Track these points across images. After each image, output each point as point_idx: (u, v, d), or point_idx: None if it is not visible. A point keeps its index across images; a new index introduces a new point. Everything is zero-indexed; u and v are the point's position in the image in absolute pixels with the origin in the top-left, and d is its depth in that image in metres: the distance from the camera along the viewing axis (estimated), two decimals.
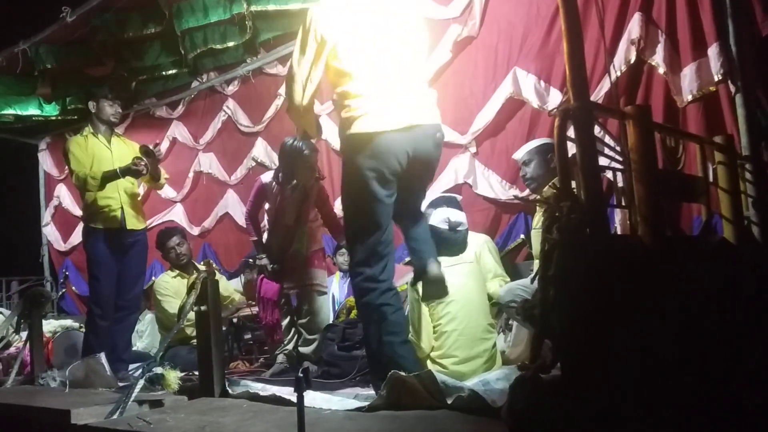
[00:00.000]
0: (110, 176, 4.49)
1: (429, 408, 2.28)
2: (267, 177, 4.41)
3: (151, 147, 4.57)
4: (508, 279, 3.79)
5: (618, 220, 3.33)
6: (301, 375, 1.64)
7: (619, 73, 3.73)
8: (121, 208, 4.64)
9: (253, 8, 5.00)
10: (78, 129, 7.30)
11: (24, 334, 4.55)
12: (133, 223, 4.69)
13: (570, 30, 2.14)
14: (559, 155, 2.08)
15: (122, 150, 4.75)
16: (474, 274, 3.64)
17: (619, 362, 1.79)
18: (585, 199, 1.99)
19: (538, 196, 3.68)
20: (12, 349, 4.92)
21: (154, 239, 6.71)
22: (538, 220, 3.80)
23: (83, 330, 5.41)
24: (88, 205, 4.65)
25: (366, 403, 2.43)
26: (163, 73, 6.10)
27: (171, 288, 5.18)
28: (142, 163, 4.46)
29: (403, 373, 2.40)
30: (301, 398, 1.65)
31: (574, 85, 2.10)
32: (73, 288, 7.78)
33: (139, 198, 4.92)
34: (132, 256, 4.72)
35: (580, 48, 2.15)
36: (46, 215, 8.12)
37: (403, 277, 3.90)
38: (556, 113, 2.13)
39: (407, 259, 4.91)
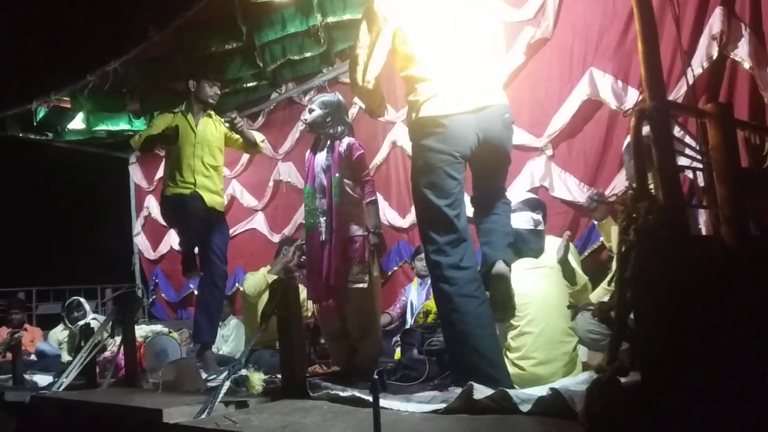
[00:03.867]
0: (151, 139, 4.62)
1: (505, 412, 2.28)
2: None
3: (229, 119, 4.64)
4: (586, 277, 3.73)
5: (703, 220, 3.24)
6: (377, 377, 1.68)
7: (700, 70, 3.62)
8: (198, 192, 4.65)
9: (329, 19, 5.11)
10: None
11: (118, 339, 4.78)
12: (210, 203, 4.68)
13: (644, 28, 2.12)
14: (635, 155, 2.06)
15: (207, 132, 4.77)
16: (554, 278, 3.61)
17: (700, 366, 1.75)
18: (663, 199, 1.95)
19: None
20: (107, 353, 5.17)
21: (236, 247, 6.99)
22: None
23: (173, 335, 5.64)
24: (166, 175, 4.76)
25: (443, 406, 2.45)
26: (244, 85, 6.29)
27: (260, 282, 5.20)
28: (172, 133, 4.53)
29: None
30: (376, 399, 1.69)
31: (650, 84, 2.06)
32: (163, 295, 8.12)
33: (220, 188, 4.89)
34: (214, 228, 4.72)
35: (656, 46, 2.12)
36: (137, 225, 8.51)
37: None
38: (632, 113, 2.11)
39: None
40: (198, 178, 4.68)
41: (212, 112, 4.93)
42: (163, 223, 6.43)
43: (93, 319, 6.29)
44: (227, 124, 4.67)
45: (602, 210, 3.80)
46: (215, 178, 4.83)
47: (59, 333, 6.99)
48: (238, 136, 4.86)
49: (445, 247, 2.81)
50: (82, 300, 6.92)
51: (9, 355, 5.61)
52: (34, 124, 6.85)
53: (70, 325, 6.64)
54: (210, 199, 4.72)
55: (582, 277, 3.66)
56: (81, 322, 6.14)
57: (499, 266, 2.92)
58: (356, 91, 3.10)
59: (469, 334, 2.73)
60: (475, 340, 2.72)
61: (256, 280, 5.18)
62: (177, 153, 4.69)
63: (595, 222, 3.94)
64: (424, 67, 2.86)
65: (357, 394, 2.75)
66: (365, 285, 3.94)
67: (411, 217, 5.48)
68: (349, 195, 4.03)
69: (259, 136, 4.99)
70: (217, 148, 4.84)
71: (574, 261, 3.82)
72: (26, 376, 5.29)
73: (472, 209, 3.12)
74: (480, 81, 2.88)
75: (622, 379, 1.74)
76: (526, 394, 2.32)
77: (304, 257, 4.60)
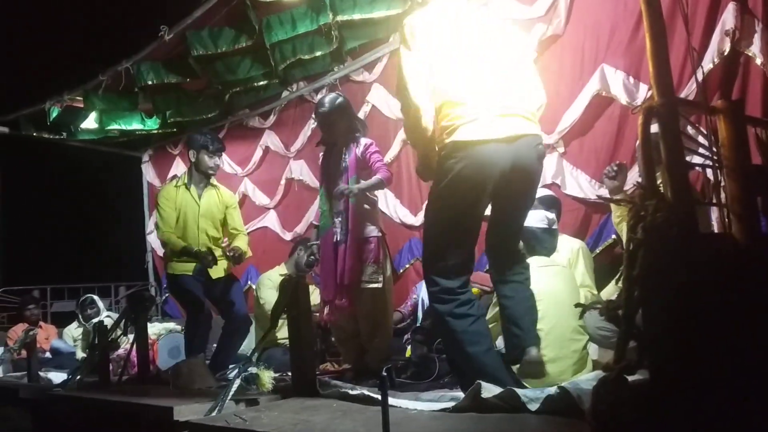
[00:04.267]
0: (186, 252, 4.52)
1: (514, 411, 2.28)
2: None
3: (231, 253, 4.56)
4: (596, 291, 3.74)
5: (715, 218, 3.21)
6: (385, 374, 1.69)
7: (711, 66, 3.59)
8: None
9: (339, 18, 5.12)
10: (178, 141, 7.74)
11: (131, 336, 4.81)
12: (215, 272, 4.64)
13: (653, 24, 2.11)
14: (643, 153, 2.04)
15: (211, 204, 4.74)
16: (565, 277, 3.59)
17: (708, 365, 1.73)
18: (671, 197, 1.94)
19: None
20: (121, 351, 5.21)
21: (249, 244, 7.00)
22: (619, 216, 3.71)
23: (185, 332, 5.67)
24: (168, 255, 4.77)
25: (452, 404, 2.45)
26: (255, 84, 6.31)
27: (274, 282, 5.14)
28: (212, 260, 4.48)
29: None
30: (385, 396, 1.69)
31: (658, 80, 2.06)
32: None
33: (219, 247, 4.77)
34: (224, 291, 4.70)
35: (664, 42, 2.12)
36: (150, 224, 8.56)
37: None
38: (640, 110, 2.10)
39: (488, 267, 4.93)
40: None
41: (215, 183, 4.89)
42: None
43: (107, 317, 6.35)
44: (231, 255, 4.58)
45: (621, 179, 3.73)
46: (219, 246, 4.78)
47: (74, 330, 7.06)
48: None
49: (449, 272, 2.79)
50: (96, 297, 6.97)
51: (24, 353, 5.67)
52: (48, 123, 6.92)
53: (84, 323, 6.69)
54: (214, 271, 4.65)
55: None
56: (95, 320, 6.21)
57: (532, 354, 2.85)
58: (413, 139, 2.94)
59: (466, 352, 2.72)
60: (473, 358, 2.71)
61: (273, 285, 5.12)
62: (182, 226, 4.65)
63: (612, 210, 3.89)
64: (457, 92, 2.79)
65: (366, 392, 2.76)
66: (379, 285, 3.96)
67: (422, 215, 5.47)
68: (366, 196, 4.04)
69: (247, 252, 4.78)
70: (219, 221, 4.80)
71: (585, 267, 3.82)
72: (41, 374, 5.34)
73: (489, 262, 3.07)
74: (514, 109, 2.80)
75: (630, 378, 1.73)
76: (534, 393, 2.31)
77: (313, 257, 4.60)
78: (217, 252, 4.67)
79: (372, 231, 4.00)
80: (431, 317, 4.47)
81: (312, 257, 4.54)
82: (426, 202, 3.03)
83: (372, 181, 3.94)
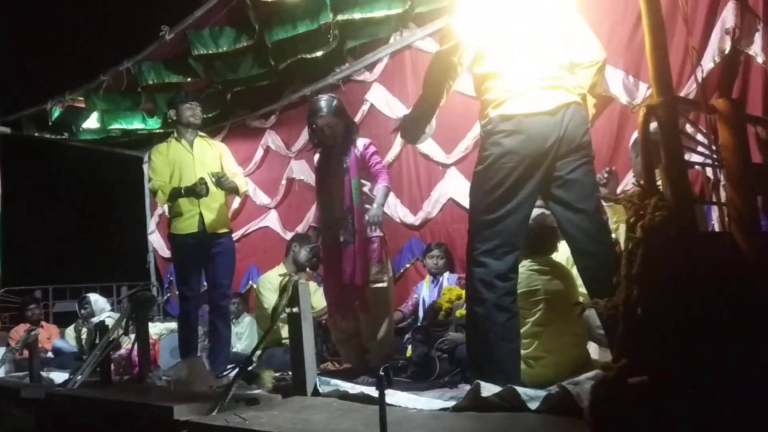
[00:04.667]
0: (176, 193, 4.61)
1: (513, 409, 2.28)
2: None
3: (215, 177, 4.60)
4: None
5: (716, 217, 3.21)
6: (383, 373, 1.69)
7: (712, 65, 3.59)
8: (200, 213, 4.69)
9: (340, 18, 5.12)
10: None
11: (132, 336, 4.82)
12: (213, 227, 4.72)
13: (652, 23, 2.10)
14: (643, 152, 2.04)
15: (205, 153, 4.83)
16: (565, 278, 3.58)
17: (707, 365, 1.73)
18: (670, 196, 1.94)
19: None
20: (122, 350, 5.21)
21: (249, 245, 7.02)
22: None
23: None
24: (169, 211, 4.81)
25: (451, 404, 2.45)
26: (256, 84, 6.31)
27: (274, 284, 5.15)
28: (203, 188, 4.52)
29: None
30: (382, 395, 1.70)
31: (657, 79, 2.05)
32: (177, 292, 8.16)
33: (221, 203, 4.85)
34: (217, 263, 4.78)
35: (663, 41, 2.11)
36: (151, 224, 8.56)
37: None
38: (639, 109, 2.09)
39: None
40: (203, 204, 4.69)
41: (205, 135, 5.00)
42: None
43: (108, 317, 6.34)
44: (214, 180, 4.60)
45: (612, 186, 3.76)
46: (218, 196, 4.80)
47: (73, 330, 7.06)
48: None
49: (491, 252, 2.73)
50: (94, 297, 6.94)
51: (26, 353, 5.68)
52: (50, 123, 6.93)
53: (81, 322, 6.72)
54: (213, 220, 4.73)
55: None
56: (93, 319, 6.22)
57: None
58: (430, 75, 2.92)
59: (494, 345, 2.69)
60: (498, 353, 2.68)
61: (274, 288, 5.11)
62: (178, 177, 4.70)
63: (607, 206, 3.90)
64: (501, 65, 2.76)
65: (365, 391, 2.77)
66: (384, 284, 4.00)
67: (422, 215, 5.48)
68: (367, 195, 4.06)
69: (242, 187, 4.96)
70: (216, 169, 4.80)
71: None
72: (43, 374, 5.35)
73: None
74: (559, 81, 2.77)
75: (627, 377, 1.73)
76: (534, 392, 2.32)
77: (315, 258, 4.60)
78: (221, 204, 4.78)
79: (374, 231, 4.01)
80: (429, 317, 4.49)
81: (314, 259, 4.54)
82: (471, 182, 2.91)
83: (382, 196, 3.98)
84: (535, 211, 3.62)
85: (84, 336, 6.70)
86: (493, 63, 2.81)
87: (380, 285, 3.98)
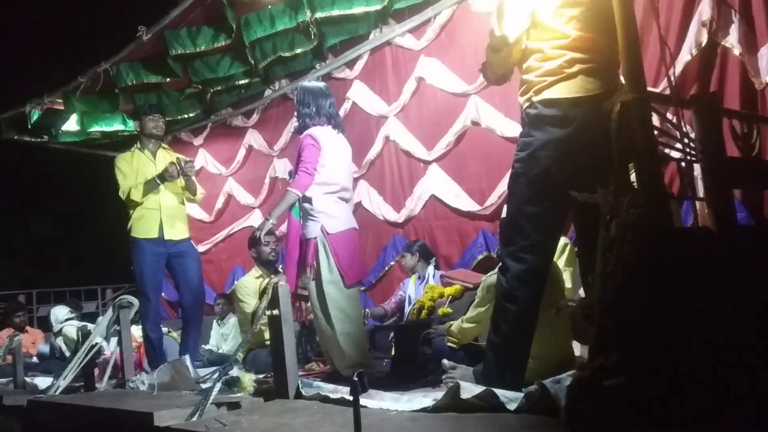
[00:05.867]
0: (150, 185, 4.79)
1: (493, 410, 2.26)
2: None
3: (183, 161, 4.80)
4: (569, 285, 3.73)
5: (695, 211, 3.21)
6: (357, 379, 1.67)
7: (689, 57, 3.58)
8: (160, 219, 4.86)
9: (318, 15, 5.08)
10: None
11: (115, 340, 4.78)
12: (170, 233, 4.88)
13: (624, 18, 2.08)
14: (617, 148, 2.03)
15: (166, 162, 4.94)
16: (550, 274, 3.57)
17: (683, 361, 1.72)
18: (643, 191, 1.93)
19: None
20: (107, 354, 5.18)
21: (234, 245, 6.98)
22: None
23: (172, 335, 5.65)
24: (129, 218, 4.93)
25: (431, 404, 2.43)
26: (237, 83, 6.27)
27: (252, 288, 5.18)
28: (175, 168, 4.71)
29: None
30: (356, 401, 1.68)
31: (630, 74, 2.04)
32: (163, 294, 8.10)
33: (181, 209, 5.03)
34: (185, 267, 4.95)
35: (635, 36, 2.09)
36: None
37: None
38: (613, 104, 2.08)
39: (480, 257, 4.92)
40: (164, 212, 4.88)
41: (166, 146, 5.25)
42: None
43: (67, 325, 6.37)
44: (179, 166, 4.77)
45: None
46: (180, 208, 5.03)
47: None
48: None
49: (531, 248, 2.57)
50: (52, 309, 6.97)
51: (10, 358, 5.63)
52: (29, 126, 6.84)
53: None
54: (172, 226, 4.91)
55: None
56: (54, 330, 6.30)
57: None
58: (491, 43, 2.68)
59: (521, 342, 2.63)
60: (523, 350, 2.64)
61: (252, 292, 5.08)
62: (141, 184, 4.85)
63: None
64: (557, 40, 2.50)
65: (345, 396, 2.74)
66: (306, 292, 3.80)
67: (406, 212, 5.46)
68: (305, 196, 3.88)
69: (200, 191, 5.12)
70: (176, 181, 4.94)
71: (564, 263, 3.80)
72: (27, 379, 5.29)
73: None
74: (613, 61, 2.47)
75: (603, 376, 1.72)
76: (513, 394, 2.30)
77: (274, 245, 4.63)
78: (183, 215, 5.02)
79: (311, 233, 3.84)
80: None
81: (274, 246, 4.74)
82: (511, 173, 2.69)
83: (281, 206, 3.89)
84: None
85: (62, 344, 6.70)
86: (553, 35, 2.54)
87: (304, 292, 3.80)
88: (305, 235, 3.83)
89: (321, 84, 4.16)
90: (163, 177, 4.76)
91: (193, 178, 4.99)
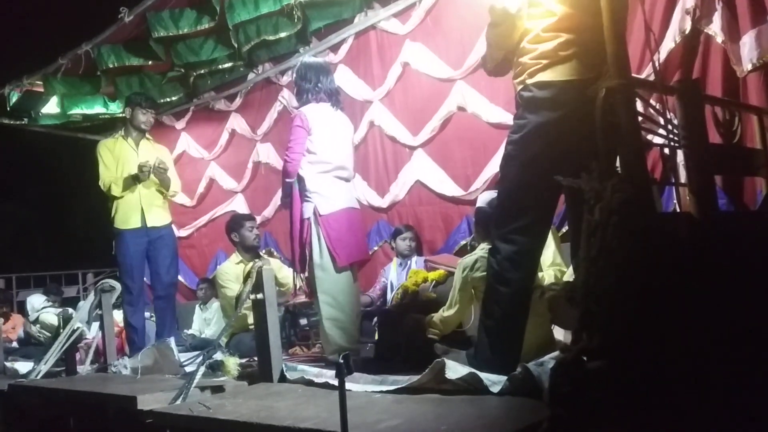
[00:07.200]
0: (128, 182, 4.97)
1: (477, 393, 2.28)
2: None
3: (157, 163, 4.96)
4: (566, 269, 3.72)
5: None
6: (342, 362, 1.68)
7: (673, 45, 3.61)
8: (141, 208, 5.01)
9: None
10: None
11: (96, 324, 4.76)
12: (153, 220, 5.05)
13: (610, 5, 2.08)
14: (601, 133, 2.05)
15: (148, 153, 5.10)
16: None
17: (665, 345, 1.75)
18: (627, 177, 1.94)
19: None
20: (89, 338, 5.15)
21: (216, 230, 6.95)
22: None
23: (153, 319, 5.62)
24: (111, 208, 5.06)
25: (416, 380, 2.45)
26: (220, 66, 6.18)
27: (232, 274, 5.18)
28: (146, 170, 4.90)
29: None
30: (342, 384, 1.69)
31: (615, 61, 2.05)
32: (144, 278, 8.06)
33: (161, 198, 5.18)
34: (159, 249, 5.11)
35: (622, 22, 2.11)
36: None
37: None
38: (597, 91, 2.09)
39: (462, 242, 4.94)
40: (144, 200, 5.04)
41: (150, 137, 5.35)
42: None
43: (43, 313, 6.39)
44: (150, 168, 4.94)
45: None
46: (160, 197, 5.17)
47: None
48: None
49: (522, 229, 2.55)
50: (28, 298, 6.98)
51: None
52: (8, 109, 6.74)
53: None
54: (154, 215, 5.08)
55: None
56: (30, 318, 6.31)
57: None
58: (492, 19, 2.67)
59: (514, 324, 2.62)
60: (517, 332, 2.62)
61: (234, 277, 5.06)
62: (121, 176, 5.00)
63: None
64: (545, 18, 2.49)
65: (329, 380, 2.75)
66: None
67: (390, 197, 5.45)
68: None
69: (174, 187, 5.26)
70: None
71: (554, 246, 3.79)
72: (7, 364, 5.26)
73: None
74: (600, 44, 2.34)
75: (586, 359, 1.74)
76: (497, 377, 2.32)
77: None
78: (165, 204, 5.20)
79: (306, 213, 3.86)
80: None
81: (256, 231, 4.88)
82: (503, 155, 2.70)
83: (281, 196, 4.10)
84: (489, 194, 3.57)
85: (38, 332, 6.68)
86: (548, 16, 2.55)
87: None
88: (302, 215, 3.84)
89: (322, 60, 4.19)
90: (137, 177, 4.94)
91: (168, 174, 5.10)
